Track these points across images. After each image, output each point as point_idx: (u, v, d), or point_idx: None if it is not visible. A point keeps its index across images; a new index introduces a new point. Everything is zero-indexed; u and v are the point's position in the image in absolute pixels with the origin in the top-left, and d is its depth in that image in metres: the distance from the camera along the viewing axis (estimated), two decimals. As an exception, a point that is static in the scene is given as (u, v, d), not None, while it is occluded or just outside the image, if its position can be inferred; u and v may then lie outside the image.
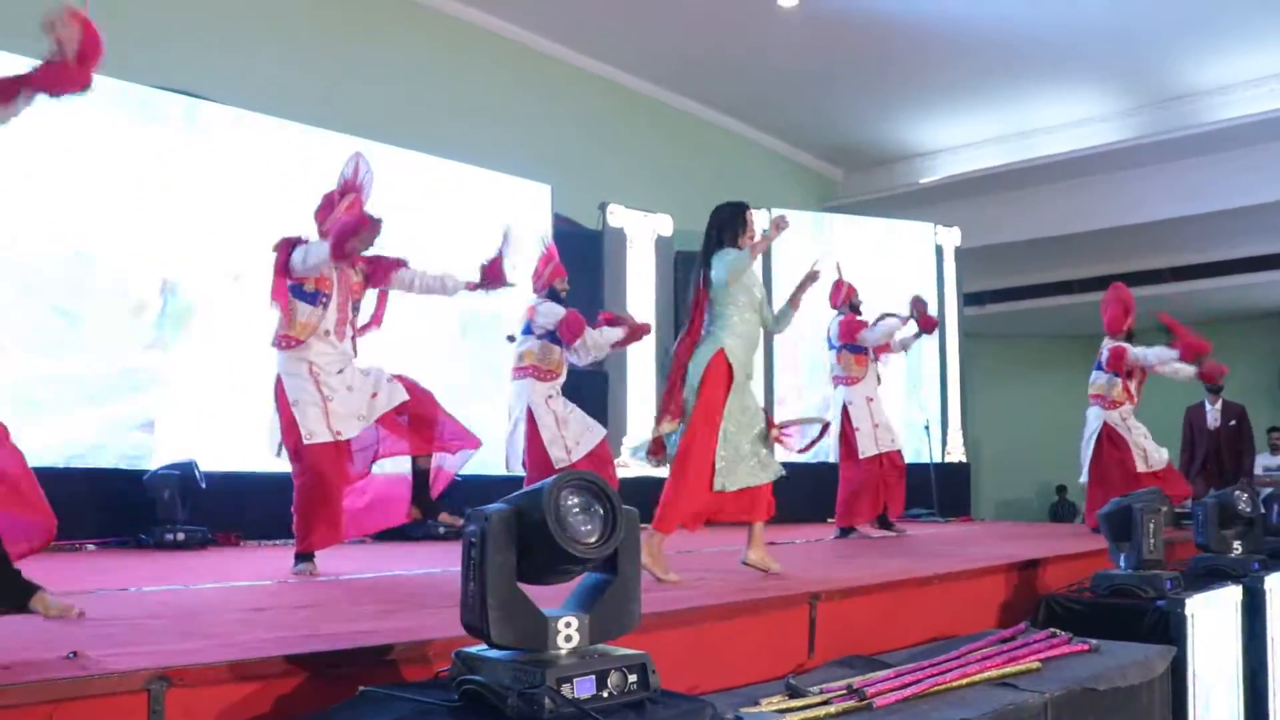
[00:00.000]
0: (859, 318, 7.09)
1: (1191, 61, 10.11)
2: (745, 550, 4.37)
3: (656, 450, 4.38)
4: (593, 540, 1.96)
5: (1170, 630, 4.10)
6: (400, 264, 4.69)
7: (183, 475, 6.08)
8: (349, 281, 4.58)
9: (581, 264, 7.73)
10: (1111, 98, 10.94)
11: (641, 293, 9.03)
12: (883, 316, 7.09)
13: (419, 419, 4.65)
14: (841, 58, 10.13)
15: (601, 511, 1.98)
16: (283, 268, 4.43)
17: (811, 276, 4.61)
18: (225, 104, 7.05)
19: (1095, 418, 7.19)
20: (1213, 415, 9.09)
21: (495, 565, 1.91)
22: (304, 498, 4.43)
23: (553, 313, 5.90)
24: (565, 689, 1.95)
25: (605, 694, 2.01)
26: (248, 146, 7.07)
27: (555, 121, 9.55)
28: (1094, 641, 3.84)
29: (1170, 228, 11.33)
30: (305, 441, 4.37)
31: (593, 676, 2.00)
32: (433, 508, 4.87)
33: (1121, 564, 4.48)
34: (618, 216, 9.04)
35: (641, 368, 8.96)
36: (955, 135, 12.13)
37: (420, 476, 4.75)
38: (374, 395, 4.56)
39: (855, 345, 6.95)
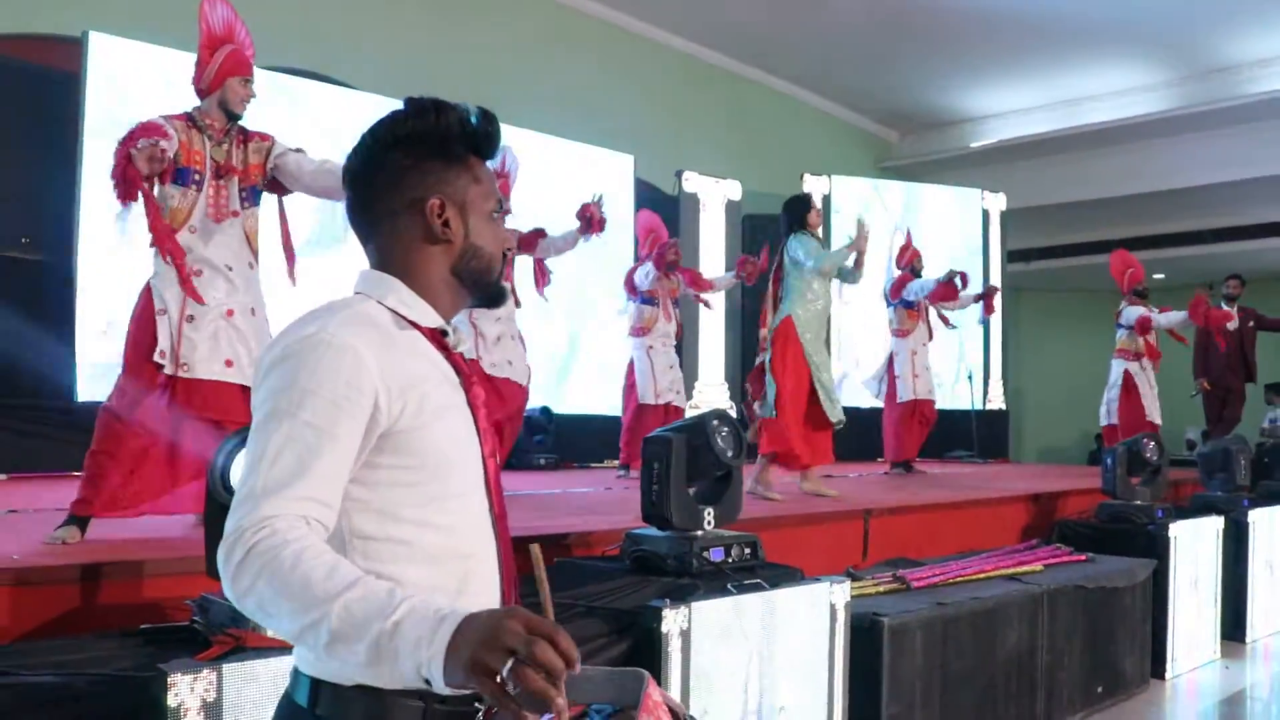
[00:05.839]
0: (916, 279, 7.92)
1: (1233, 35, 10.54)
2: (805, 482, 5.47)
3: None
4: (731, 455, 2.95)
5: (1155, 548, 5.04)
6: (541, 233, 5.53)
7: (543, 414, 7.97)
8: None
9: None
10: (1156, 69, 11.40)
11: (713, 251, 9.84)
12: (951, 275, 7.77)
13: None
14: (899, 29, 10.65)
15: (734, 437, 2.97)
16: None
17: (863, 238, 5.53)
18: (328, 82, 7.61)
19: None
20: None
21: (676, 474, 2.90)
22: None
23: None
24: (705, 554, 2.96)
25: (730, 559, 3.02)
26: (350, 124, 7.72)
27: (637, 95, 10.17)
28: (1090, 554, 4.80)
29: (1209, 192, 11.79)
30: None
31: (723, 548, 3.01)
32: None
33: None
34: (692, 183, 9.77)
35: (714, 321, 9.77)
36: (1006, 101, 12.62)
37: None
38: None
39: (907, 301, 7.83)
